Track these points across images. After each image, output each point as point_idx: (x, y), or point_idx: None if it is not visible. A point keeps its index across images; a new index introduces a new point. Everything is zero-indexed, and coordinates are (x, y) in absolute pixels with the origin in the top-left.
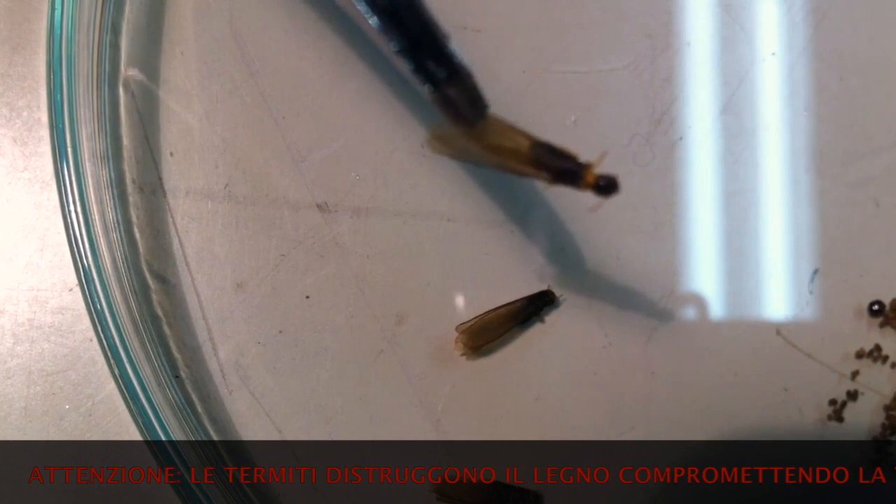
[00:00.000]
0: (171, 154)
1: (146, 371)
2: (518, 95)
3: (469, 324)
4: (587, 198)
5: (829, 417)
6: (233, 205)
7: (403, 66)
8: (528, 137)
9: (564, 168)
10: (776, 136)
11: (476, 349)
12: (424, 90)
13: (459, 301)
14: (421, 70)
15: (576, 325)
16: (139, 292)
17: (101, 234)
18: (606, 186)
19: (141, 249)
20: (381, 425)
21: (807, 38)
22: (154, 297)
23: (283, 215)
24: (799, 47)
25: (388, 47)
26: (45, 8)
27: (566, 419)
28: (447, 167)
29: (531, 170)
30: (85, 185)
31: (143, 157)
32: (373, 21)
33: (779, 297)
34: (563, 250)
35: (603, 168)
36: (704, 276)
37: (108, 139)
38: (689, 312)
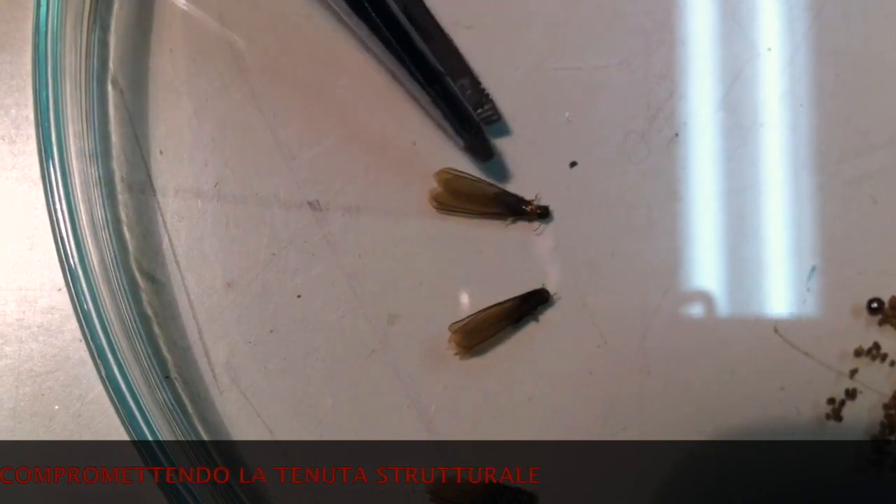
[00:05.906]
0: (161, 152)
1: (135, 372)
2: (512, 92)
3: (462, 323)
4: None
5: (828, 416)
6: (223, 203)
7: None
8: (493, 186)
9: (515, 203)
10: (772, 132)
11: (469, 349)
12: (459, 142)
13: (452, 300)
14: (465, 139)
15: (570, 323)
16: (128, 292)
17: (88, 234)
18: (542, 214)
19: (130, 249)
20: (373, 426)
21: (803, 34)
22: (144, 296)
23: (273, 214)
24: (795, 43)
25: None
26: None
27: (560, 419)
28: (437, 165)
29: (498, 209)
30: (72, 184)
31: (131, 155)
32: (438, 113)
33: (776, 295)
34: (556, 248)
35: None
36: (700, 273)
37: (97, 137)
38: (685, 311)
